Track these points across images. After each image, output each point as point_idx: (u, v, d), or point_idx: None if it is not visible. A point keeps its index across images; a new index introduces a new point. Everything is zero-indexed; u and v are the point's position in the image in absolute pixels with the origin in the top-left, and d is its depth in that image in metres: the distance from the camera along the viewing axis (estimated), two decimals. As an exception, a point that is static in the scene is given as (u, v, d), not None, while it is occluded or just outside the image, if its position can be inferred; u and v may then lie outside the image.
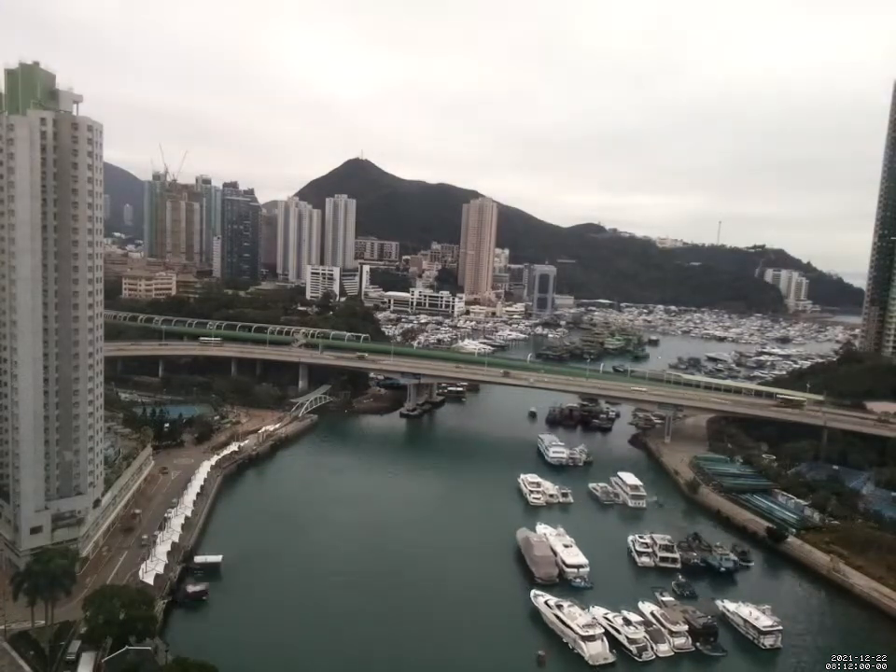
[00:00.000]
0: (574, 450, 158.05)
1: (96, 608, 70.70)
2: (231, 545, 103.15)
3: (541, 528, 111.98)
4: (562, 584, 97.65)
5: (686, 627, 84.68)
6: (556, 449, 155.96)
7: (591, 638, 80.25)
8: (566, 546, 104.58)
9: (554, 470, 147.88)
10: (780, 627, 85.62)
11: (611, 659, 79.36)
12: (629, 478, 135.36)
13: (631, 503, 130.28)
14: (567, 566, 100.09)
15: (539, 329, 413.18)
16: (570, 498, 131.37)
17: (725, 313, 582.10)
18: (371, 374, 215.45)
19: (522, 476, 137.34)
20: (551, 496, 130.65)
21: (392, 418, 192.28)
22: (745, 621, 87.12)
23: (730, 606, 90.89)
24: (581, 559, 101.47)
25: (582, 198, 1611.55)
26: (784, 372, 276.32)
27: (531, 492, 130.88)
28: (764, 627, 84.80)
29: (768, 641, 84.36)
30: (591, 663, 78.45)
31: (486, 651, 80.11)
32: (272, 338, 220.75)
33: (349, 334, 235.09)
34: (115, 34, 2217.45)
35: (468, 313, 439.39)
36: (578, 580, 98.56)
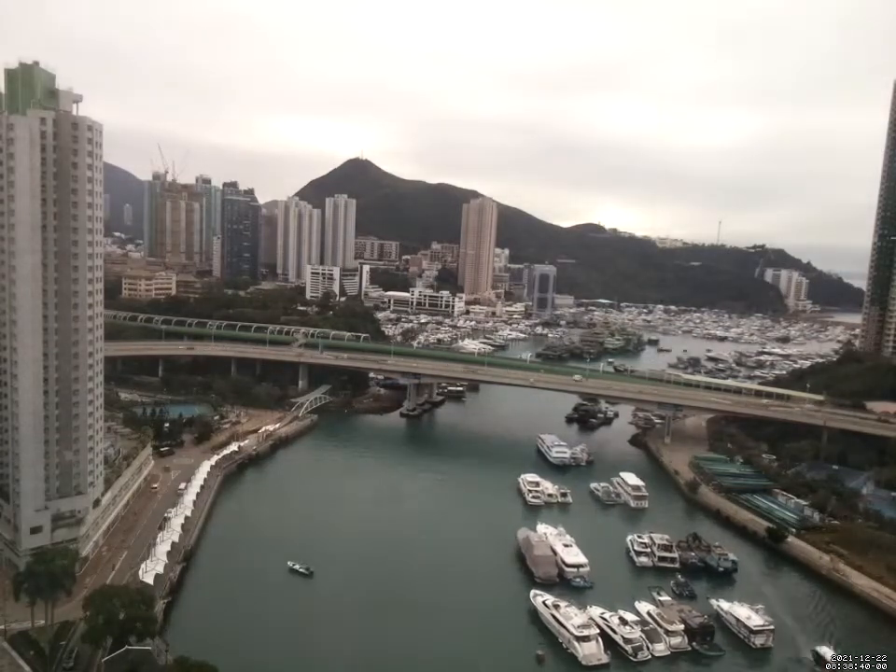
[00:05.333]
0: (576, 449, 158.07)
1: (96, 608, 70.68)
2: (231, 545, 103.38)
3: (542, 528, 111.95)
4: (562, 584, 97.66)
5: (682, 627, 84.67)
6: (559, 449, 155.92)
7: (585, 639, 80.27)
8: (566, 546, 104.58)
9: (557, 470, 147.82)
10: (772, 627, 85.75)
11: (605, 660, 79.33)
12: (631, 478, 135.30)
13: (633, 503, 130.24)
14: (567, 565, 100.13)
15: (538, 329, 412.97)
16: (569, 498, 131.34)
17: (725, 313, 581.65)
18: (371, 374, 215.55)
19: (522, 476, 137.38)
20: (549, 495, 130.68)
21: (392, 418, 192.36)
22: (737, 620, 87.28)
23: (724, 605, 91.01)
24: (581, 559, 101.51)
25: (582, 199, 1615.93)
26: (784, 372, 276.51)
27: (530, 491, 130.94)
28: (755, 627, 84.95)
29: (759, 640, 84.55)
30: (584, 663, 78.52)
31: (485, 651, 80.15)
32: (272, 338, 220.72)
33: (349, 334, 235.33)
34: (116, 36, 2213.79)
35: (468, 312, 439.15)
36: (578, 579, 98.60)
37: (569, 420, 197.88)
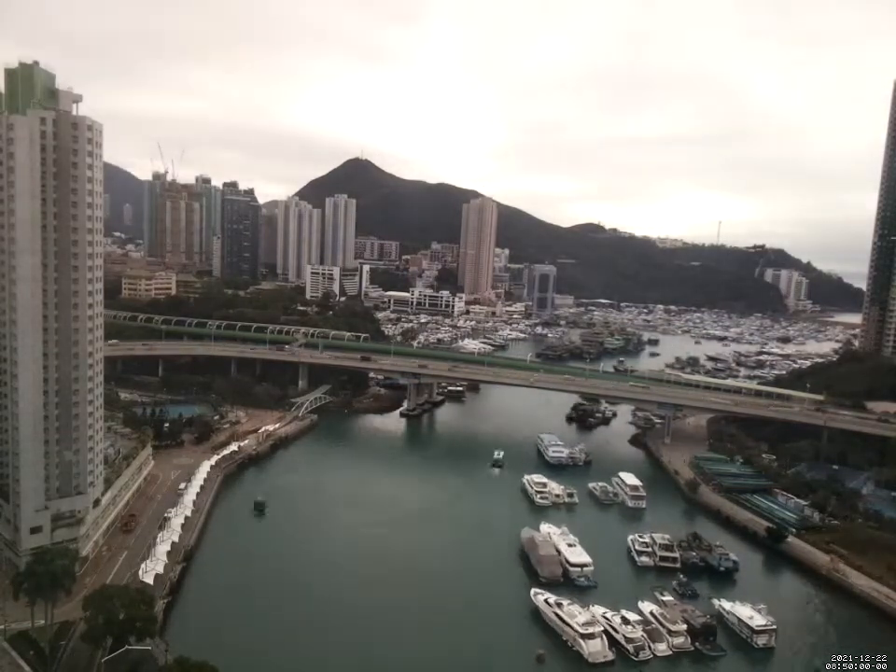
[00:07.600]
0: (573, 449, 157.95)
1: (96, 608, 70.63)
2: (231, 545, 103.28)
3: (545, 528, 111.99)
4: (566, 583, 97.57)
5: (685, 627, 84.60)
6: (556, 448, 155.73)
7: (590, 636, 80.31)
8: (570, 545, 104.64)
9: (554, 470, 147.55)
10: (774, 627, 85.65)
11: (611, 657, 79.51)
12: (629, 478, 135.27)
13: (630, 503, 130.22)
14: (572, 565, 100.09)
15: (538, 329, 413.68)
16: (576, 499, 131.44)
17: (725, 313, 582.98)
18: (371, 374, 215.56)
19: (526, 476, 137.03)
20: (556, 496, 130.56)
21: (392, 418, 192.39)
22: (739, 620, 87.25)
23: (726, 605, 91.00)
24: (585, 558, 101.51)
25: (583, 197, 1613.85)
26: (784, 372, 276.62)
27: (538, 492, 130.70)
28: (758, 626, 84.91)
29: (762, 640, 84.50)
30: (590, 661, 78.58)
31: (487, 650, 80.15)
32: (271, 338, 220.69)
33: (349, 334, 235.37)
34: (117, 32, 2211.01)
35: (468, 312, 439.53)
36: (582, 578, 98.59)
37: (569, 419, 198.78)
